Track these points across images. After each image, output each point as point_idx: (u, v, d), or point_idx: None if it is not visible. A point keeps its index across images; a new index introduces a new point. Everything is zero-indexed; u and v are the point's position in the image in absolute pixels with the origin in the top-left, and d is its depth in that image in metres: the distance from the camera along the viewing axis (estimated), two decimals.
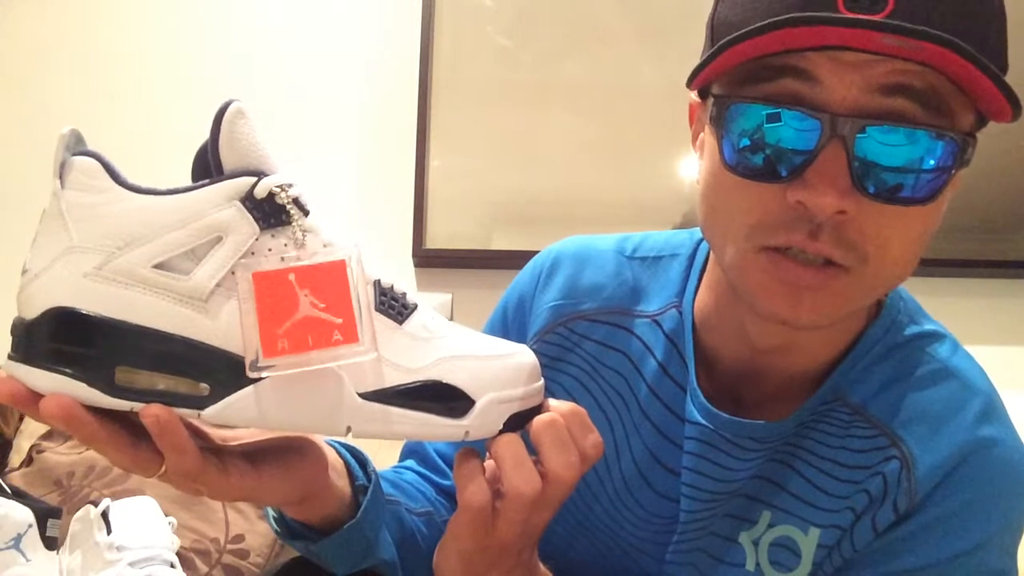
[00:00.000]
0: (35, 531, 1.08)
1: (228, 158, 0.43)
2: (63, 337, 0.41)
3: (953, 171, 0.49)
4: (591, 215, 1.79)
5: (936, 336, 0.63)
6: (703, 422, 0.63)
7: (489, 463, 0.50)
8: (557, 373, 0.71)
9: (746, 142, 0.51)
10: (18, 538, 1.06)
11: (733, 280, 0.56)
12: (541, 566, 0.57)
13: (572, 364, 0.71)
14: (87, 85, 1.90)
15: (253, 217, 0.43)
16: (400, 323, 0.46)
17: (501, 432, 0.48)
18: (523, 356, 0.49)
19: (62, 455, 1.51)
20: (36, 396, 0.41)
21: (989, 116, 0.51)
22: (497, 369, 0.48)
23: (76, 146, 0.43)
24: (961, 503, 0.57)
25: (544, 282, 0.74)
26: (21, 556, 1.06)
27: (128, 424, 0.43)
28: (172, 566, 1.11)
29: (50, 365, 0.41)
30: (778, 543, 0.61)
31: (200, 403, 0.43)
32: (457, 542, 0.51)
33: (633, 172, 1.79)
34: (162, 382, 0.42)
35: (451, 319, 1.69)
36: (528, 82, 1.83)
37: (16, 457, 1.58)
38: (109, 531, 1.10)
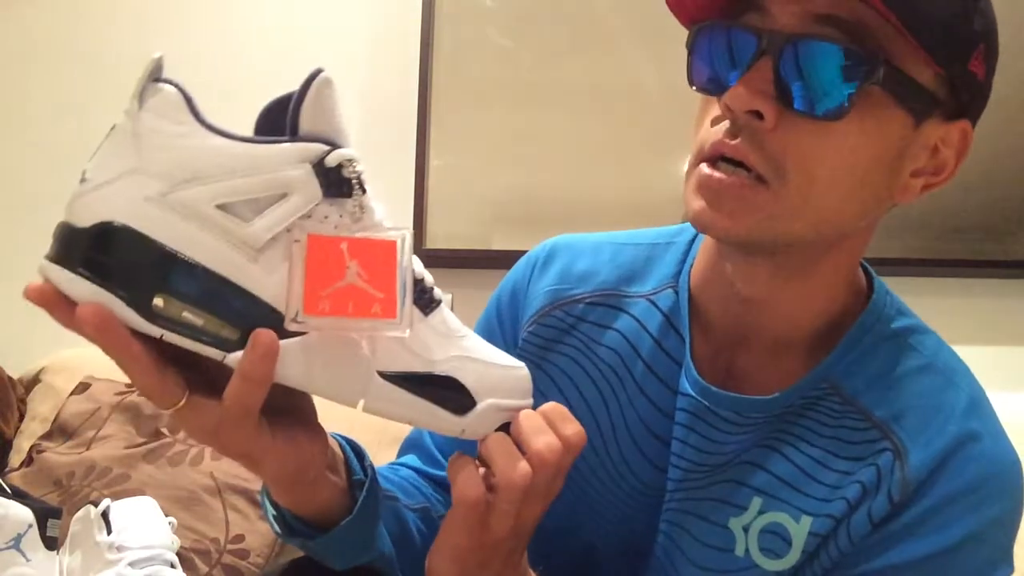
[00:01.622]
0: (35, 531, 1.08)
1: (307, 122, 0.44)
2: (111, 251, 0.42)
3: (858, 87, 0.53)
4: (591, 215, 1.79)
5: (921, 330, 0.65)
6: (693, 394, 0.65)
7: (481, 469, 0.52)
8: (553, 355, 0.73)
9: (702, 59, 0.58)
10: (18, 538, 1.06)
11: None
12: (531, 572, 0.59)
13: (568, 345, 0.72)
14: (85, 80, 1.90)
15: (320, 183, 0.44)
16: (426, 315, 0.48)
17: None
18: (524, 371, 0.53)
19: (62, 455, 1.52)
20: (68, 303, 0.42)
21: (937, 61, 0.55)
22: (501, 378, 0.51)
23: (159, 73, 0.44)
24: (953, 493, 0.58)
25: (540, 270, 0.76)
26: (21, 556, 1.06)
27: (155, 349, 0.43)
28: (172, 566, 1.11)
29: (91, 275, 0.41)
30: (768, 530, 0.62)
31: (228, 346, 0.44)
32: (452, 538, 0.52)
33: (633, 172, 1.79)
34: (197, 317, 0.43)
35: (452, 307, 1.69)
36: (528, 82, 1.83)
37: (16, 457, 1.58)
38: (109, 531, 1.10)
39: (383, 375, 0.47)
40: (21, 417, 1.65)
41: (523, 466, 0.49)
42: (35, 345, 1.79)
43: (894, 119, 0.55)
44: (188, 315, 0.43)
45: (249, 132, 0.47)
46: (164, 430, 1.53)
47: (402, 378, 0.47)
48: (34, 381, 1.72)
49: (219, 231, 0.43)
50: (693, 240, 0.72)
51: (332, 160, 0.45)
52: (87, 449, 1.52)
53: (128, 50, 1.91)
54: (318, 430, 0.54)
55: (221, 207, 0.43)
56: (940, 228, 1.75)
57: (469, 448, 0.53)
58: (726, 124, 0.56)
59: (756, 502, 0.63)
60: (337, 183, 0.45)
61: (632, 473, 0.69)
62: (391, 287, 0.45)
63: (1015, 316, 1.77)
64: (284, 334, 0.44)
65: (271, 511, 0.58)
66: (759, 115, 0.54)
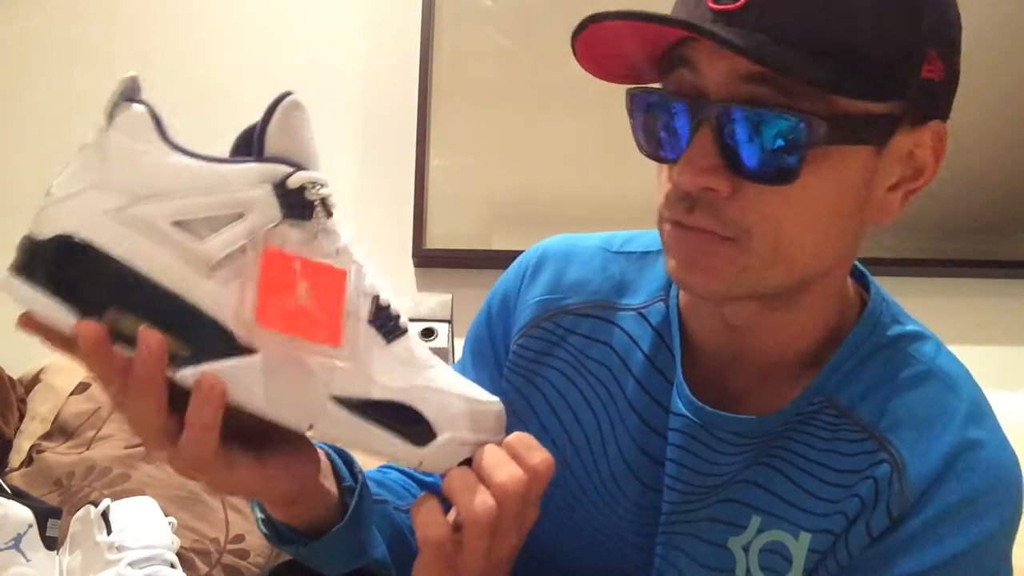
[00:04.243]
0: (35, 531, 1.08)
1: (272, 144, 0.45)
2: (67, 264, 0.42)
3: (805, 149, 0.51)
4: (591, 215, 1.79)
5: (919, 336, 0.63)
6: (687, 414, 0.63)
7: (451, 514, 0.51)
8: (543, 368, 0.71)
9: (643, 128, 0.57)
10: (18, 538, 1.06)
11: None
12: None
13: (558, 358, 0.71)
14: (84, 89, 1.90)
15: (279, 204, 0.45)
16: (388, 342, 0.48)
17: None
18: (493, 406, 0.51)
19: (62, 455, 1.51)
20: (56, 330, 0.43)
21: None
22: (465, 411, 0.49)
23: (133, 93, 0.45)
24: (953, 505, 0.57)
25: (530, 279, 0.75)
26: (21, 556, 1.06)
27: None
28: (172, 566, 1.11)
29: (45, 286, 0.42)
30: (768, 548, 0.61)
31: (179, 363, 0.44)
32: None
33: (633, 172, 1.78)
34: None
35: (451, 319, 1.69)
36: (528, 82, 1.83)
37: (16, 457, 1.58)
38: (109, 531, 1.10)
39: (338, 399, 0.46)
40: (21, 417, 1.65)
41: (486, 500, 0.48)
42: (35, 345, 1.78)
43: (855, 157, 0.53)
44: (138, 329, 0.43)
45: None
46: None
47: (357, 404, 0.46)
48: (34, 381, 1.72)
49: (173, 247, 0.43)
50: None
51: (294, 182, 0.45)
52: (87, 449, 1.52)
53: (129, 51, 1.91)
54: (306, 446, 0.53)
55: (177, 224, 0.43)
56: (940, 228, 1.75)
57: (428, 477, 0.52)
58: (680, 197, 0.55)
59: (755, 521, 0.62)
60: (299, 205, 0.45)
61: (622, 492, 0.67)
62: (337, 316, 0.45)
63: (1015, 316, 1.77)
64: (236, 353, 0.44)
65: (259, 515, 0.58)
66: (712, 189, 0.53)
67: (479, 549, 0.49)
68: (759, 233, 0.53)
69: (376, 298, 0.47)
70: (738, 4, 0.50)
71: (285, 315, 0.44)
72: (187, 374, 0.43)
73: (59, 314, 0.42)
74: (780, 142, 0.51)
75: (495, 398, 0.52)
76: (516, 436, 0.51)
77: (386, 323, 0.48)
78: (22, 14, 1.93)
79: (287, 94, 0.45)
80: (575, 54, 0.56)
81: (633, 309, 0.70)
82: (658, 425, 0.66)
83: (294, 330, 0.44)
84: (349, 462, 0.60)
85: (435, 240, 1.85)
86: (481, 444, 0.50)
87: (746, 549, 0.62)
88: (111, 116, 0.44)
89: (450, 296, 1.66)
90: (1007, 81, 1.69)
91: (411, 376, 0.48)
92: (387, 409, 0.47)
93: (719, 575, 0.63)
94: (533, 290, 0.73)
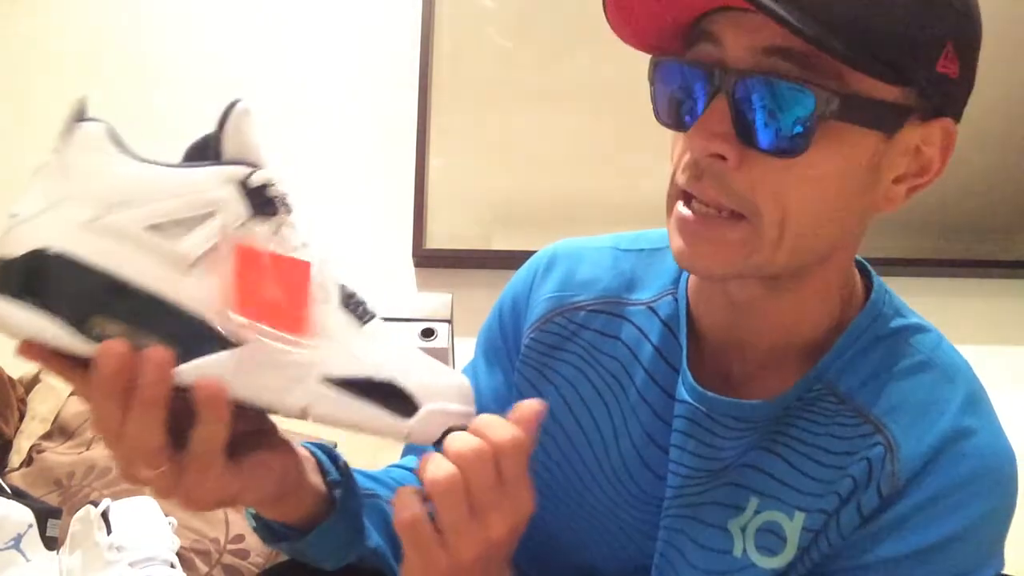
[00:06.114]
0: (35, 531, 1.08)
1: (229, 148, 0.47)
2: (47, 277, 0.43)
3: (814, 122, 0.52)
4: (591, 215, 1.80)
5: (920, 328, 0.65)
6: (690, 400, 0.65)
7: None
8: (555, 361, 0.72)
9: (664, 95, 0.59)
10: (18, 538, 1.06)
11: None
12: None
13: (570, 352, 0.72)
14: (85, 90, 1.90)
15: (246, 202, 0.47)
16: (363, 324, 0.50)
17: (437, 442, 0.51)
18: (463, 380, 0.54)
19: (62, 455, 1.51)
20: (63, 356, 0.44)
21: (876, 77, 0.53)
22: (441, 384, 0.52)
23: (83, 113, 0.46)
24: (942, 489, 0.58)
25: (541, 278, 0.76)
26: (21, 556, 1.06)
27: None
28: (172, 566, 1.11)
29: (28, 301, 0.43)
30: (765, 528, 0.63)
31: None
32: (410, 571, 0.52)
33: (633, 172, 1.79)
34: (133, 337, 0.44)
35: (451, 319, 1.69)
36: (528, 82, 1.83)
37: (16, 457, 1.58)
38: (109, 531, 1.10)
39: (327, 379, 0.48)
40: (21, 417, 1.65)
41: (442, 464, 0.49)
42: None
43: (862, 140, 0.54)
44: (124, 334, 0.44)
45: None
46: None
47: (346, 382, 0.48)
48: (34, 381, 1.72)
49: (150, 251, 0.45)
50: None
51: (256, 180, 0.47)
52: (87, 449, 1.52)
53: (130, 51, 1.91)
54: (283, 445, 0.54)
55: (151, 227, 0.45)
56: (940, 228, 1.75)
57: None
58: (691, 164, 0.56)
59: (753, 502, 0.63)
60: (262, 202, 0.48)
61: (632, 481, 0.69)
62: (302, 305, 0.48)
63: (1015, 316, 1.77)
64: (221, 346, 0.46)
65: (253, 521, 0.59)
66: (721, 156, 0.54)
67: (457, 524, 0.49)
68: (766, 209, 0.54)
69: (343, 286, 0.50)
70: None
71: (259, 307, 0.46)
72: (183, 370, 0.45)
73: (45, 326, 0.43)
74: (793, 114, 0.52)
75: (462, 374, 0.54)
76: (481, 416, 0.52)
77: (356, 308, 0.50)
78: (22, 14, 1.93)
79: (236, 101, 0.47)
80: (606, 13, 0.58)
81: (643, 304, 0.71)
82: (665, 414, 0.67)
83: (268, 320, 0.46)
84: (333, 458, 0.60)
85: (435, 240, 1.85)
86: (459, 415, 0.52)
87: (743, 530, 0.63)
88: (67, 136, 0.45)
89: (450, 296, 1.66)
90: (1008, 82, 1.69)
91: (390, 353, 0.50)
92: (371, 387, 0.49)
93: (718, 556, 0.64)
94: (544, 288, 0.75)
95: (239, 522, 1.39)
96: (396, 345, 0.51)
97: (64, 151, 0.45)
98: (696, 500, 0.65)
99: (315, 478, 0.57)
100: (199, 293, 0.45)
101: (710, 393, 0.64)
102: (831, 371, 0.63)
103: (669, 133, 0.60)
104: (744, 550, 0.63)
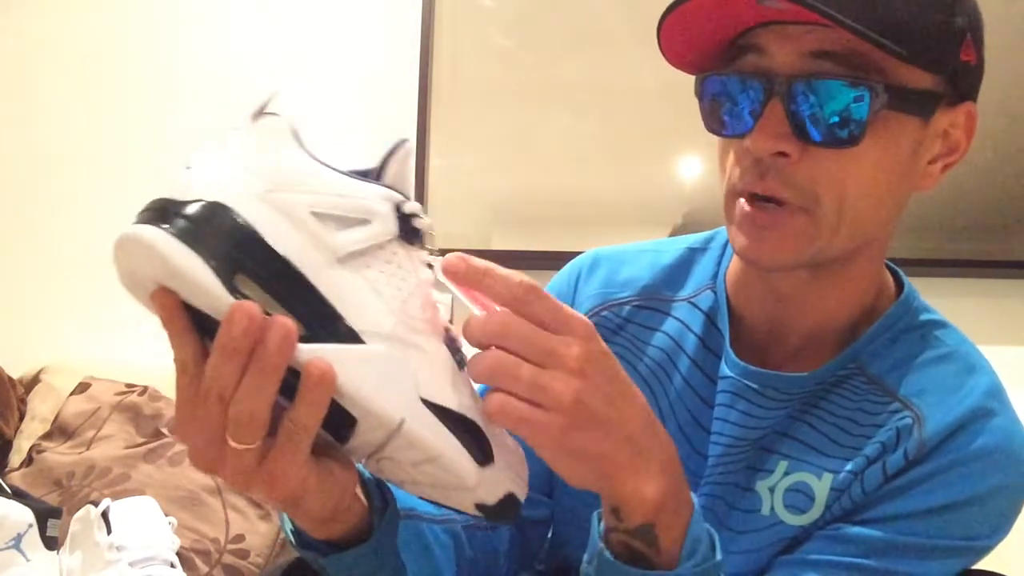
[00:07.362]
0: (35, 531, 1.08)
1: (389, 176, 0.52)
2: (211, 224, 0.45)
3: (868, 114, 0.58)
4: (591, 215, 1.80)
5: (946, 325, 0.71)
6: (733, 375, 0.70)
7: None
8: None
9: (716, 107, 0.63)
10: (18, 538, 1.06)
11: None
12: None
13: (616, 344, 0.77)
14: (85, 90, 1.90)
15: (398, 223, 0.51)
16: (461, 368, 0.53)
17: (488, 512, 0.52)
18: (521, 450, 0.55)
19: (62, 455, 1.52)
20: (184, 315, 0.45)
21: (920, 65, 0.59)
22: (511, 444, 0.54)
23: (272, 105, 0.50)
24: (963, 456, 0.63)
25: (585, 278, 0.81)
26: (21, 556, 1.06)
27: None
28: (172, 566, 1.11)
29: (187, 243, 0.44)
30: (793, 488, 0.68)
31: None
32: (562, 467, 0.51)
33: (633, 172, 1.79)
34: (268, 305, 0.46)
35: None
36: (528, 82, 1.83)
37: (16, 457, 1.58)
38: (109, 531, 1.10)
39: (425, 401, 0.50)
40: (21, 417, 1.65)
41: (483, 354, 0.49)
42: (35, 345, 1.79)
43: (906, 126, 0.60)
44: (259, 298, 0.46)
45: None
46: (164, 430, 1.53)
47: (440, 410, 0.50)
48: (34, 381, 1.72)
49: (308, 233, 0.47)
50: (727, 244, 0.77)
51: (409, 208, 0.52)
52: (87, 449, 1.52)
53: (130, 51, 1.91)
54: (347, 460, 0.52)
55: (314, 214, 0.48)
56: (942, 228, 1.75)
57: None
58: (752, 165, 0.61)
59: (782, 465, 0.69)
60: (411, 229, 0.52)
61: (682, 463, 0.71)
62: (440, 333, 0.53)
63: (1015, 316, 1.77)
64: (343, 340, 0.47)
65: (288, 526, 0.58)
66: (783, 153, 0.59)
67: (534, 381, 0.48)
68: (827, 197, 0.60)
69: (449, 328, 0.53)
70: None
71: (436, 320, 0.52)
72: (304, 348, 0.46)
73: (199, 267, 0.44)
74: (846, 109, 0.58)
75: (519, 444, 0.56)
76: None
77: (456, 352, 0.53)
78: (23, 13, 1.93)
79: (405, 140, 0.52)
80: (659, 40, 0.62)
81: (684, 299, 0.77)
82: (708, 397, 0.73)
83: (438, 330, 0.52)
84: (379, 483, 0.59)
85: (435, 240, 1.85)
86: (523, 484, 0.54)
87: (772, 490, 0.69)
88: (255, 120, 0.49)
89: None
90: (1009, 81, 1.69)
91: (477, 401, 0.52)
92: (462, 422, 0.51)
93: (747, 515, 0.69)
94: (590, 287, 0.80)
95: (239, 522, 1.39)
96: (479, 397, 0.52)
97: (250, 131, 0.48)
98: (733, 467, 0.70)
99: (359, 502, 0.57)
100: (337, 285, 0.48)
101: (752, 367, 0.69)
102: (864, 354, 0.68)
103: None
104: (772, 508, 0.68)
